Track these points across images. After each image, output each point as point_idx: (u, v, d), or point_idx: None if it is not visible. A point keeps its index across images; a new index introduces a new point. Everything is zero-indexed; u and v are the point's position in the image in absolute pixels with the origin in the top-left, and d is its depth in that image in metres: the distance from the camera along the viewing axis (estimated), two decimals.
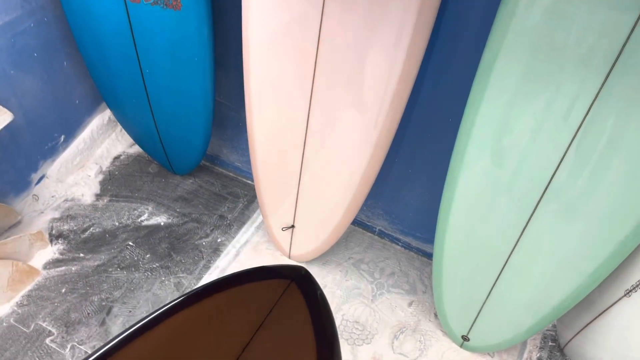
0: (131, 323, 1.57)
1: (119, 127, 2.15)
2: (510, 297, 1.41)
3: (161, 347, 0.81)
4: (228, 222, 1.95)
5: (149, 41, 1.55)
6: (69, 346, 1.52)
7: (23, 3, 1.58)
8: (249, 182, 2.11)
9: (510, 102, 1.10)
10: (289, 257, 1.83)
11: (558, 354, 1.64)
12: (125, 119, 1.99)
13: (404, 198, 1.77)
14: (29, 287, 1.66)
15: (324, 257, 1.84)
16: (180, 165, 2.04)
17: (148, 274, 1.74)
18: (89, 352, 1.51)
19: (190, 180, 2.10)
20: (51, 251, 1.78)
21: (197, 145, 1.88)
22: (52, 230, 1.85)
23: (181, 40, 1.51)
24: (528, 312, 1.41)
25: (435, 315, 1.70)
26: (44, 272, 1.71)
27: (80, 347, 1.52)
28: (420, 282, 1.82)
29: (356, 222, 1.97)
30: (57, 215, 1.91)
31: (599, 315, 1.39)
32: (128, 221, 1.91)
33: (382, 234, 1.95)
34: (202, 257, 1.82)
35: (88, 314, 1.61)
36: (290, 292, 0.91)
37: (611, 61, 0.96)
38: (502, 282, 1.39)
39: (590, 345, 1.46)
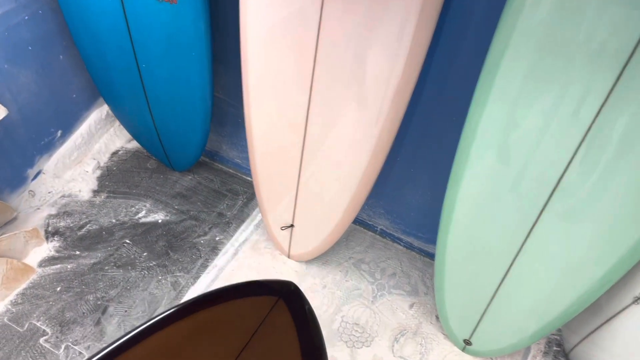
0: (127, 323, 1.58)
1: (118, 121, 2.12)
2: (514, 301, 1.38)
3: None
4: (227, 220, 1.92)
5: (145, 35, 1.52)
6: (63, 346, 1.51)
7: None
8: (249, 179, 2.08)
9: (517, 100, 1.07)
10: (289, 257, 1.81)
11: (563, 359, 1.61)
12: (123, 114, 1.96)
13: (406, 197, 1.74)
14: (24, 285, 1.65)
15: (324, 256, 1.82)
16: (179, 161, 2.01)
17: (145, 273, 1.72)
18: (83, 352, 1.49)
19: (189, 177, 2.08)
20: (47, 248, 1.76)
21: (195, 141, 1.86)
22: (48, 227, 1.83)
23: (177, 34, 1.48)
24: (533, 317, 1.38)
25: (437, 317, 1.67)
26: (39, 270, 1.69)
27: (74, 347, 1.51)
28: (422, 283, 1.79)
29: (357, 221, 1.94)
30: (53, 211, 1.89)
31: (607, 321, 1.36)
32: (125, 218, 1.89)
33: (383, 234, 1.92)
34: (200, 256, 1.79)
35: (83, 313, 1.59)
36: (278, 309, 0.88)
37: (625, 59, 0.93)
38: (507, 285, 1.36)
39: (597, 351, 1.43)
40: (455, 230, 1.35)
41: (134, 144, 2.17)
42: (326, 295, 1.72)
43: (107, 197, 1.97)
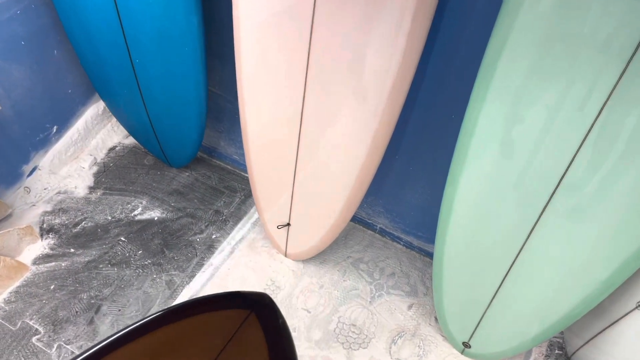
0: (120, 322, 1.57)
1: (114, 117, 2.11)
2: (515, 303, 1.36)
3: None
4: (224, 217, 1.91)
5: (138, 29, 1.50)
6: (55, 345, 1.50)
7: None
8: (247, 175, 2.06)
9: (517, 96, 1.05)
10: (286, 256, 1.79)
11: None
12: (118, 110, 1.96)
13: (406, 195, 1.72)
14: (17, 283, 1.65)
15: (322, 255, 1.80)
16: (176, 158, 2.00)
17: (139, 271, 1.71)
18: (76, 351, 1.49)
19: (187, 173, 2.06)
20: (41, 246, 1.76)
21: (191, 137, 1.85)
22: (43, 224, 1.83)
23: (170, 29, 1.47)
24: (534, 320, 1.36)
25: (436, 319, 1.65)
26: (33, 268, 1.69)
27: (67, 346, 1.50)
28: (422, 283, 1.77)
29: (356, 220, 1.92)
30: (48, 208, 1.89)
31: (610, 325, 1.34)
32: (121, 215, 1.88)
33: (383, 232, 1.90)
34: (196, 254, 1.78)
35: (76, 312, 1.59)
36: (249, 324, 0.85)
37: (630, 51, 0.90)
38: (507, 286, 1.34)
39: (600, 356, 1.41)
40: (454, 230, 1.33)
41: (131, 140, 2.16)
42: (323, 296, 1.70)
43: (103, 193, 1.96)
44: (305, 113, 1.35)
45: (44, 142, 1.92)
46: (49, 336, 1.52)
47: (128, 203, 1.93)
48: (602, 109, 0.97)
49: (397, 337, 1.62)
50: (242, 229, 1.88)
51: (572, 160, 1.05)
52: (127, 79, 1.68)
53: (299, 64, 1.25)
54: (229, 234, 1.86)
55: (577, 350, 1.52)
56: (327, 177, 1.46)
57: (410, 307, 1.70)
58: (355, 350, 1.58)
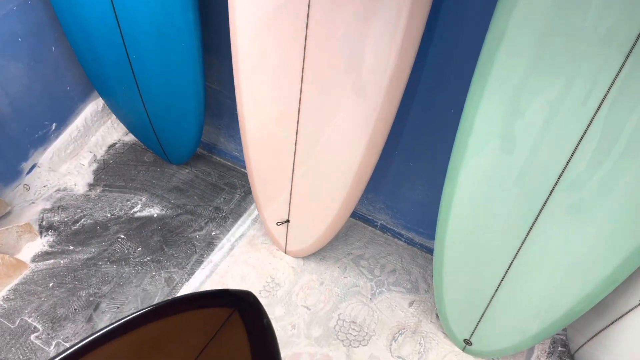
0: (119, 319, 1.58)
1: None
2: (516, 300, 1.36)
3: None
4: (223, 214, 1.92)
5: (135, 25, 1.51)
6: (54, 343, 1.52)
7: None
8: (247, 172, 2.07)
9: (515, 91, 1.05)
10: (285, 252, 1.80)
11: None
12: (117, 107, 1.97)
13: (406, 192, 1.72)
14: (16, 280, 1.66)
15: (322, 252, 1.81)
16: (176, 154, 2.01)
17: (138, 268, 1.72)
18: None
19: (187, 170, 2.07)
20: (40, 243, 1.77)
21: (190, 134, 1.86)
22: (42, 222, 1.84)
23: (166, 25, 1.47)
24: (536, 317, 1.36)
25: (437, 316, 1.65)
26: (32, 265, 1.71)
27: (65, 344, 1.52)
28: (423, 280, 1.77)
29: (356, 216, 1.92)
30: (48, 205, 1.90)
31: (613, 322, 1.33)
32: (120, 212, 1.89)
33: (384, 229, 1.90)
34: (195, 251, 1.79)
35: (75, 309, 1.60)
36: (232, 322, 0.84)
37: (629, 45, 0.89)
38: (508, 283, 1.34)
39: (603, 353, 1.41)
40: (454, 226, 1.33)
41: (131, 137, 2.17)
42: (323, 293, 1.71)
43: (103, 190, 1.98)
44: (303, 109, 1.35)
45: (43, 140, 1.93)
46: (48, 334, 1.54)
47: (127, 200, 1.94)
48: (601, 103, 0.97)
49: (397, 335, 1.62)
50: (241, 226, 1.89)
51: (572, 155, 1.05)
52: (124, 76, 1.69)
53: (295, 60, 1.26)
54: (228, 230, 1.87)
55: (580, 347, 1.51)
56: (325, 173, 1.46)
57: (411, 304, 1.70)
58: (355, 347, 1.58)
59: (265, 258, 1.79)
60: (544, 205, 1.14)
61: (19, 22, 1.64)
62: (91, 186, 1.99)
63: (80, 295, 1.64)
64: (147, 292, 1.66)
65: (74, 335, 1.54)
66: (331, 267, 1.78)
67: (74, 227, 1.83)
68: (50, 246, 1.77)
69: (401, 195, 1.74)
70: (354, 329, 1.62)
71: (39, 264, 1.72)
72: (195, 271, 1.74)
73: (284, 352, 1.55)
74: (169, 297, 1.65)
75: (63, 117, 1.98)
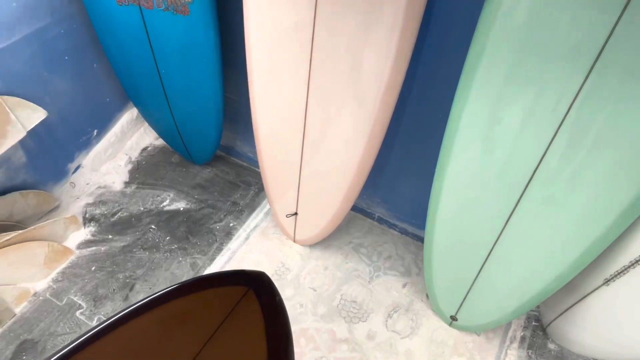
0: (148, 295, 1.59)
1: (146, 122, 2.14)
2: (496, 281, 1.36)
3: (117, 352, 0.75)
4: (240, 208, 1.92)
5: (163, 44, 1.52)
6: (95, 318, 1.53)
7: (52, 11, 1.56)
8: (260, 171, 2.08)
9: (494, 98, 1.04)
10: (294, 241, 1.80)
11: (541, 333, 1.57)
12: (148, 115, 1.98)
13: (400, 187, 1.71)
14: (64, 265, 1.68)
15: (327, 241, 1.81)
16: (198, 156, 2.02)
17: (167, 255, 1.73)
18: None
19: (208, 170, 2.08)
20: (84, 233, 1.79)
21: (211, 138, 1.86)
22: (85, 214, 1.86)
23: (191, 43, 1.47)
24: (513, 296, 1.35)
25: (427, 296, 1.65)
26: (77, 252, 1.72)
27: None
28: (415, 265, 1.76)
29: (357, 209, 1.92)
30: (90, 200, 1.92)
31: (580, 300, 1.32)
32: (152, 206, 1.91)
33: (380, 220, 1.89)
34: (216, 240, 1.80)
35: (114, 289, 1.61)
36: (248, 299, 0.83)
37: (593, 58, 0.89)
38: (489, 266, 1.33)
39: (571, 326, 1.40)
40: (441, 217, 1.33)
41: (161, 141, 2.18)
42: (327, 276, 1.71)
43: (137, 187, 1.99)
44: (309, 115, 1.35)
45: (86, 144, 1.95)
46: (90, 310, 1.56)
47: (158, 196, 1.95)
48: (569, 109, 0.96)
49: (392, 312, 1.62)
50: (256, 218, 1.89)
51: (544, 154, 1.04)
52: (155, 88, 1.70)
53: (302, 74, 1.26)
54: (244, 222, 1.87)
55: (552, 322, 1.50)
56: (328, 171, 1.46)
57: (404, 285, 1.70)
58: (355, 323, 1.58)
59: (276, 246, 1.80)
60: (520, 198, 1.14)
61: (65, 43, 1.65)
62: (127, 184, 2.01)
63: (118, 278, 1.65)
64: (175, 275, 1.67)
65: (113, 312, 1.55)
66: (334, 254, 1.78)
67: (112, 219, 1.85)
68: (93, 235, 1.78)
69: (396, 190, 1.74)
70: (354, 308, 1.62)
71: (83, 250, 1.73)
72: (215, 257, 1.75)
73: (293, 327, 1.54)
74: None
75: (103, 124, 1.99)
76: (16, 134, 1.49)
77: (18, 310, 1.55)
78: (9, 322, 1.52)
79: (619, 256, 1.16)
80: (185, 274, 1.67)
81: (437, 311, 1.59)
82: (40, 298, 1.58)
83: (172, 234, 1.81)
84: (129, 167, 2.08)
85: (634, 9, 0.82)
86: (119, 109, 2.05)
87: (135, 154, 2.14)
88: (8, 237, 1.51)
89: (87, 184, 1.97)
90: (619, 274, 1.18)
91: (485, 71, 1.01)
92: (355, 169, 1.39)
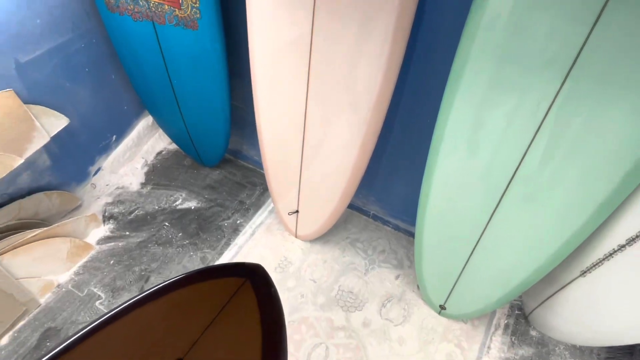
0: (153, 285, 1.59)
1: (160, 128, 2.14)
2: (481, 273, 1.35)
3: (125, 337, 0.74)
4: (246, 206, 1.92)
5: (175, 56, 1.52)
6: None
7: (73, 27, 1.56)
8: (264, 173, 2.07)
9: (477, 104, 1.04)
10: (296, 237, 1.80)
11: (523, 321, 1.56)
12: (162, 121, 1.98)
13: (393, 187, 1.71)
14: (85, 259, 1.68)
15: (326, 236, 1.80)
16: (208, 159, 2.02)
17: (179, 249, 1.73)
18: None
19: (217, 172, 2.08)
20: (103, 230, 1.79)
21: (219, 142, 1.86)
22: (105, 213, 1.86)
23: (200, 55, 1.47)
24: (497, 286, 1.34)
25: (418, 287, 1.64)
26: (97, 247, 1.72)
27: None
28: (407, 258, 1.75)
29: (353, 208, 1.91)
30: (109, 200, 1.92)
31: (559, 290, 1.31)
32: (165, 205, 1.90)
33: (375, 217, 1.89)
34: (224, 236, 1.79)
35: (130, 281, 1.61)
36: (244, 290, 0.81)
37: (568, 67, 0.88)
38: (474, 259, 1.33)
39: (551, 314, 1.39)
40: (431, 214, 1.32)
41: (174, 146, 2.18)
42: (326, 269, 1.70)
43: (152, 188, 1.99)
44: (308, 122, 1.35)
45: (105, 148, 1.95)
46: (109, 301, 1.55)
47: (171, 195, 1.95)
48: (547, 114, 0.96)
49: (386, 302, 1.61)
50: (261, 216, 1.89)
51: (524, 156, 1.04)
52: (168, 97, 1.70)
53: (301, 83, 1.26)
54: (250, 219, 1.87)
55: (533, 310, 1.49)
56: (326, 172, 1.46)
57: (397, 277, 1.69)
58: (352, 312, 1.58)
59: (279, 241, 1.79)
60: (502, 196, 1.13)
61: (86, 56, 1.65)
62: (143, 185, 2.01)
63: (134, 270, 1.65)
64: (187, 268, 1.67)
65: None
66: (333, 249, 1.78)
67: (129, 217, 1.85)
68: (111, 232, 1.78)
69: (389, 190, 1.73)
70: (351, 298, 1.62)
71: (102, 246, 1.73)
72: (224, 252, 1.74)
73: (295, 316, 1.55)
74: None
75: (121, 130, 1.99)
76: (41, 140, 1.49)
77: (43, 300, 1.55)
78: (35, 312, 1.52)
79: (594, 250, 1.15)
80: (196, 267, 1.66)
81: (427, 301, 1.58)
82: (63, 289, 1.58)
83: (184, 230, 1.80)
84: (145, 169, 2.08)
85: (605, 22, 0.81)
86: (136, 116, 2.05)
87: (150, 158, 2.14)
88: (34, 234, 1.51)
89: (107, 185, 1.97)
90: (594, 266, 1.17)
91: (469, 79, 1.00)
92: (351, 170, 1.38)
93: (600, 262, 1.15)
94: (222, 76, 1.54)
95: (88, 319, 1.50)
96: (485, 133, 1.06)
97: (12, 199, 1.56)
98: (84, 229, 1.74)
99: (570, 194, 1.03)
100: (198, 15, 1.35)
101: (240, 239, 1.79)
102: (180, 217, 1.85)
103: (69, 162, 1.78)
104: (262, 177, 2.06)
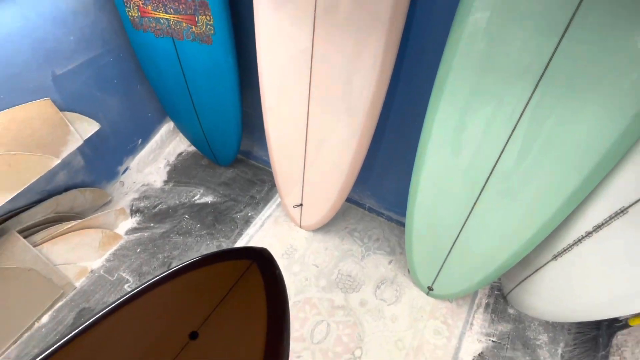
0: (171, 267, 1.59)
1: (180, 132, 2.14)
2: (464, 258, 1.35)
3: (145, 314, 0.74)
4: (257, 201, 1.92)
5: (192, 68, 1.52)
6: None
7: (103, 44, 1.57)
8: (272, 171, 2.08)
9: (459, 108, 1.04)
10: (300, 227, 1.80)
11: (501, 300, 1.56)
12: (182, 126, 1.98)
13: (386, 183, 1.71)
14: (115, 247, 1.69)
15: (327, 227, 1.80)
16: (222, 159, 2.02)
17: (198, 239, 1.74)
18: None
19: (231, 170, 2.08)
20: (131, 222, 1.80)
21: (232, 144, 1.86)
22: (132, 207, 1.87)
23: (214, 67, 1.47)
24: (479, 269, 1.35)
25: (408, 270, 1.64)
26: (125, 237, 1.73)
27: None
28: (398, 245, 1.76)
29: (351, 201, 1.92)
30: (136, 196, 1.93)
31: (534, 272, 1.32)
32: (185, 200, 1.91)
33: (370, 210, 1.89)
34: (237, 227, 1.80)
35: (154, 267, 1.62)
36: (251, 271, 0.81)
37: (539, 76, 0.89)
38: (458, 245, 1.33)
39: (526, 294, 1.39)
40: (419, 206, 1.33)
41: (192, 148, 2.19)
42: (327, 255, 1.71)
43: (173, 185, 2.00)
44: (310, 125, 1.35)
45: (132, 150, 1.95)
46: (136, 284, 1.56)
47: (190, 191, 1.96)
48: (520, 117, 0.96)
49: (380, 284, 1.62)
50: (269, 209, 1.89)
51: (500, 155, 1.04)
52: (186, 104, 1.71)
53: (303, 91, 1.26)
54: (260, 212, 1.87)
55: (510, 291, 1.50)
56: (326, 170, 1.47)
57: (390, 262, 1.69)
58: (350, 293, 1.58)
59: (286, 231, 1.80)
60: (482, 190, 1.14)
61: (114, 69, 1.66)
62: (165, 182, 2.01)
63: (158, 257, 1.66)
64: None
65: None
66: (333, 238, 1.78)
67: (153, 211, 1.86)
68: (138, 224, 1.79)
69: (382, 185, 1.73)
70: (349, 280, 1.62)
71: (130, 236, 1.74)
72: (237, 241, 1.75)
73: (299, 297, 1.56)
74: None
75: (146, 135, 2.00)
76: (75, 143, 1.50)
77: (78, 284, 1.56)
78: (71, 294, 1.53)
79: (564, 236, 1.16)
80: None
81: (417, 283, 1.59)
82: (96, 274, 1.60)
83: (201, 222, 1.81)
84: (167, 168, 2.09)
85: (570, 35, 0.81)
86: (158, 122, 2.05)
87: (172, 158, 2.15)
88: (70, 225, 1.53)
89: (134, 182, 1.98)
90: (565, 250, 1.17)
91: (452, 87, 1.01)
92: (348, 168, 1.39)
93: (570, 247, 1.15)
94: (234, 86, 1.54)
95: None
96: (466, 134, 1.06)
97: (50, 195, 1.57)
98: (113, 221, 1.75)
99: (542, 188, 1.04)
100: (212, 32, 1.36)
101: (251, 230, 1.80)
102: (198, 211, 1.86)
103: (100, 162, 1.80)
104: (270, 174, 2.06)
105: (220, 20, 1.33)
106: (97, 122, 1.60)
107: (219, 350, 0.72)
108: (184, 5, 1.34)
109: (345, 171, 1.40)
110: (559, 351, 1.41)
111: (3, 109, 1.31)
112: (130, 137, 1.91)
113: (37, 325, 1.44)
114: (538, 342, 1.44)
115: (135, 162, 1.98)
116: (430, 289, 1.55)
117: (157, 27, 1.45)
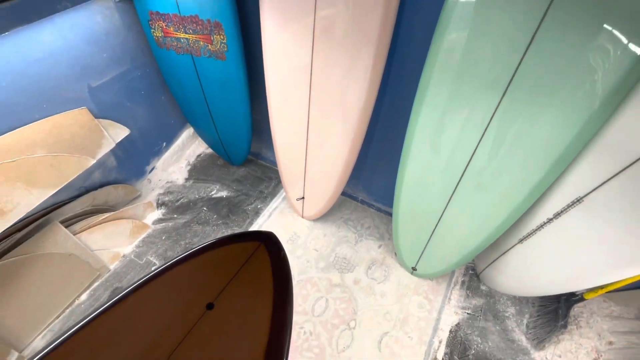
0: (188, 249, 1.58)
1: (199, 137, 2.14)
2: (443, 242, 1.35)
3: (166, 289, 0.74)
4: (265, 195, 1.92)
5: (209, 81, 1.52)
6: None
7: (132, 60, 1.57)
8: (278, 169, 2.07)
9: (440, 114, 1.05)
10: (302, 217, 1.80)
11: (475, 278, 1.57)
12: (200, 131, 1.98)
13: (376, 178, 1.71)
14: (143, 235, 1.69)
15: (325, 217, 1.80)
16: (235, 159, 2.02)
17: (215, 228, 1.74)
18: None
19: (242, 169, 2.08)
20: (157, 214, 1.80)
21: (243, 146, 1.86)
22: (158, 201, 1.86)
23: (227, 80, 1.47)
24: (456, 252, 1.35)
25: (395, 254, 1.65)
26: (152, 227, 1.73)
27: None
28: (387, 232, 1.76)
29: (345, 195, 1.91)
30: (161, 191, 1.92)
31: (503, 254, 1.32)
32: (204, 195, 1.91)
33: (362, 202, 1.89)
34: (248, 217, 1.80)
35: (177, 252, 1.62)
36: (259, 252, 0.80)
37: (505, 85, 0.89)
38: (438, 232, 1.33)
39: (496, 273, 1.40)
40: (404, 198, 1.33)
41: (210, 150, 2.18)
42: (326, 241, 1.71)
43: (194, 182, 1.99)
44: (310, 129, 1.35)
45: (158, 152, 1.95)
46: None
47: (208, 187, 1.96)
48: (490, 120, 0.97)
49: (371, 265, 1.62)
50: (276, 202, 1.89)
51: (473, 154, 1.05)
52: (204, 112, 1.70)
53: (304, 101, 1.26)
54: (268, 205, 1.87)
55: (483, 270, 1.50)
56: (324, 168, 1.46)
57: (379, 247, 1.70)
58: (345, 273, 1.59)
59: (290, 221, 1.79)
60: (458, 183, 1.14)
61: (142, 82, 1.66)
62: (186, 179, 2.01)
63: (180, 244, 1.66)
64: None
65: None
66: (331, 226, 1.78)
67: (176, 204, 1.85)
68: (163, 215, 1.79)
69: (373, 180, 1.73)
70: (344, 262, 1.63)
71: (156, 225, 1.74)
72: (248, 229, 1.74)
73: (302, 277, 1.56)
74: None
75: (169, 139, 1.99)
76: (108, 145, 1.50)
77: (112, 267, 1.57)
78: (106, 275, 1.54)
79: (529, 223, 1.16)
80: None
81: (402, 264, 1.59)
82: (127, 258, 1.60)
83: (218, 213, 1.81)
84: (188, 168, 2.09)
85: (533, 50, 0.82)
86: (180, 128, 2.05)
87: (192, 159, 2.14)
88: (105, 217, 1.53)
89: (159, 180, 1.98)
90: (529, 235, 1.18)
91: (432, 94, 1.01)
92: (343, 166, 1.39)
93: (533, 232, 1.16)
94: (245, 96, 1.54)
95: None
96: (445, 136, 1.07)
97: (87, 190, 1.57)
98: (142, 213, 1.75)
99: (509, 181, 1.04)
100: (226, 49, 1.36)
101: (260, 220, 1.79)
102: (215, 204, 1.86)
103: (130, 162, 1.79)
104: (276, 172, 2.06)
105: (232, 39, 1.33)
106: (127, 128, 1.60)
107: (231, 319, 0.72)
108: (201, 27, 1.33)
109: (340, 169, 1.40)
110: (525, 321, 1.42)
111: (46, 117, 1.31)
112: (156, 140, 1.91)
113: (77, 302, 1.45)
114: (507, 314, 1.45)
115: (160, 162, 1.98)
116: (414, 269, 1.55)
117: (178, 46, 1.45)
